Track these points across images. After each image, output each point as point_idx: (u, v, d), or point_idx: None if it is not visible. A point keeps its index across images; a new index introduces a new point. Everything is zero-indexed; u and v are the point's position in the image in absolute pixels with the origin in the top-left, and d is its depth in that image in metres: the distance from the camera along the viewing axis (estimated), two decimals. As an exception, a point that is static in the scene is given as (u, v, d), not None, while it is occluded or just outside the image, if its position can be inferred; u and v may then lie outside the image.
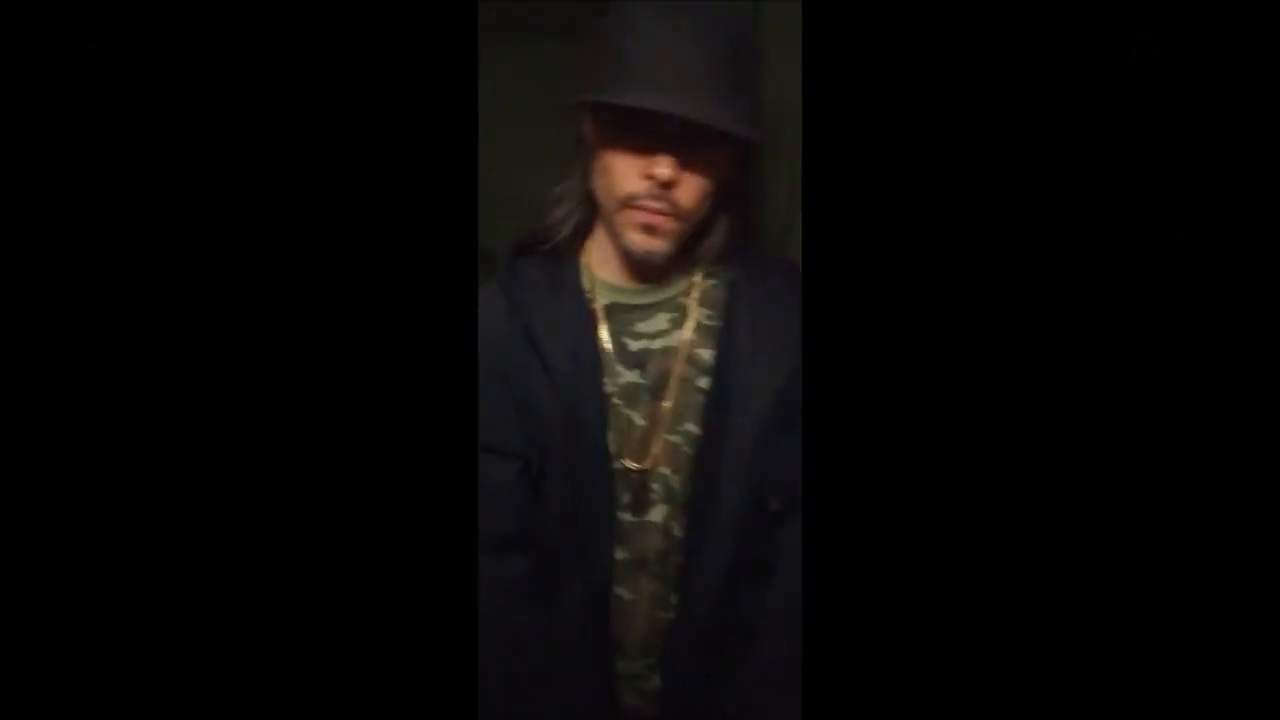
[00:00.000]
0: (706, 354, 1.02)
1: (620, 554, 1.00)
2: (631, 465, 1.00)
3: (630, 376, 1.01)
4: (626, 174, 0.96)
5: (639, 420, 1.00)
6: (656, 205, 0.95)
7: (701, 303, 1.04)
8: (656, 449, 1.00)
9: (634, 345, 1.02)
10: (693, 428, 1.00)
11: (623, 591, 1.00)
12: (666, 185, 0.94)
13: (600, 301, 1.03)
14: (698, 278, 1.05)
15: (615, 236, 1.00)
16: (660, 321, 1.03)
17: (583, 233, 1.05)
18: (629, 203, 0.96)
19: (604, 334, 1.02)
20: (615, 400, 1.01)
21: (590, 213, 1.04)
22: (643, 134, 0.94)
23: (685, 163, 0.95)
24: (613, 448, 1.00)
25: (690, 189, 0.96)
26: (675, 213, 0.96)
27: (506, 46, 1.28)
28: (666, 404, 1.01)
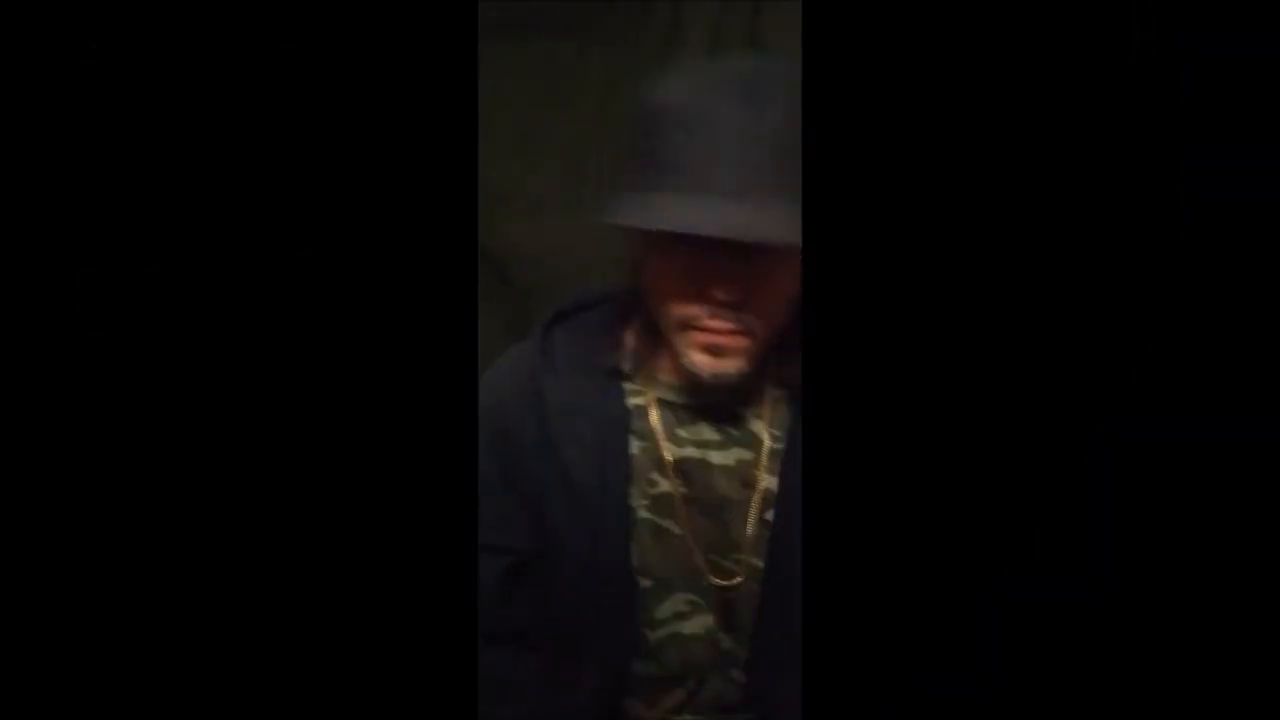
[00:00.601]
0: (766, 479, 0.90)
1: (645, 668, 0.92)
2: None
3: (665, 486, 0.91)
4: (681, 291, 0.84)
5: (676, 530, 0.90)
6: (721, 325, 0.83)
7: (771, 423, 0.91)
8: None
9: (677, 452, 0.91)
10: (745, 557, 0.90)
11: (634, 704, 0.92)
12: (730, 305, 0.82)
13: (642, 397, 0.91)
14: (766, 386, 0.91)
15: (677, 360, 0.87)
16: (704, 431, 0.91)
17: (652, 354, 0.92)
18: (688, 325, 0.84)
19: (640, 437, 0.90)
20: (646, 515, 0.90)
21: (659, 341, 0.90)
22: (695, 248, 0.80)
23: (752, 276, 0.82)
24: (635, 561, 0.90)
25: (764, 304, 0.83)
26: (745, 331, 0.84)
27: (506, 46, 1.28)
28: (706, 521, 0.90)
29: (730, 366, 0.85)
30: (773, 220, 0.78)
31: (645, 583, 0.91)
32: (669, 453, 0.91)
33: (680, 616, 0.92)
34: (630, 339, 0.92)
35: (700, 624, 0.91)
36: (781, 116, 0.79)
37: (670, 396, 0.92)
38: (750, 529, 0.90)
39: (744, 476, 0.91)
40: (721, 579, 0.90)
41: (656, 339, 0.90)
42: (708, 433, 0.92)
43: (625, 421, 0.90)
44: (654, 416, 0.91)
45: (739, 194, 0.78)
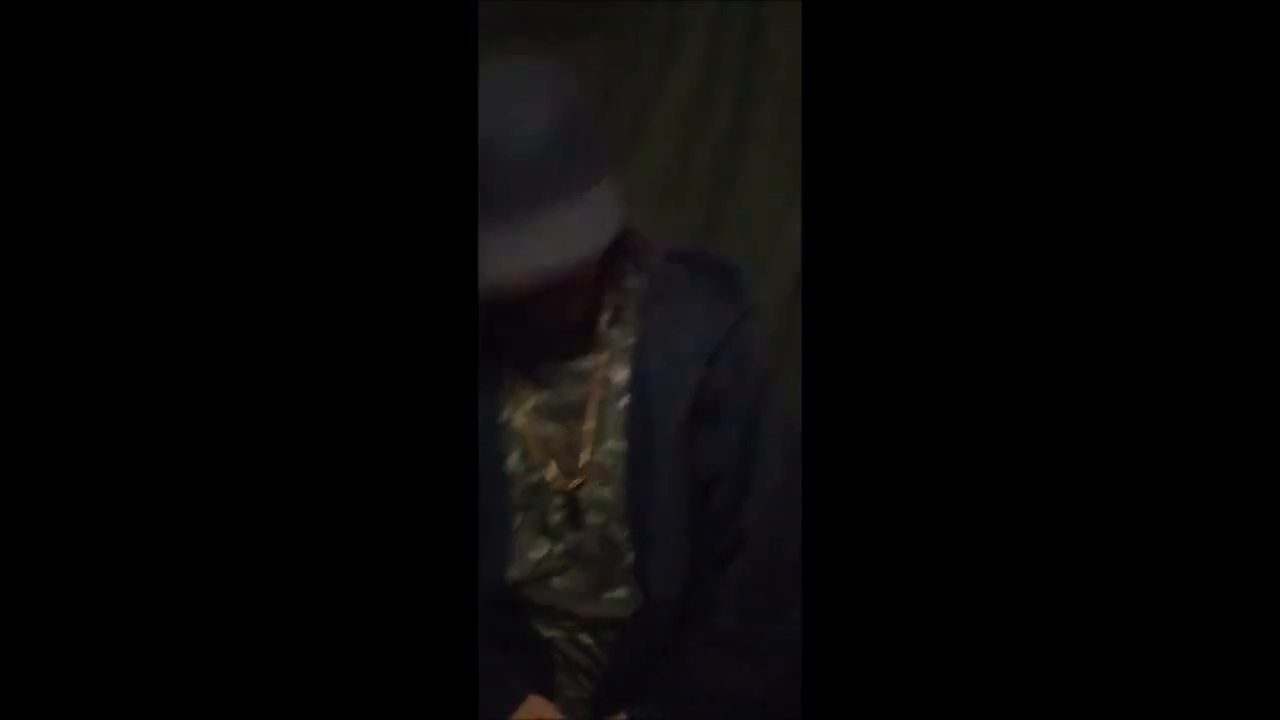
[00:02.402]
0: (622, 375, 1.04)
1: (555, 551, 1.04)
2: (560, 482, 1.03)
3: (540, 397, 1.05)
4: None
5: (557, 436, 1.04)
6: None
7: (615, 324, 1.05)
8: (584, 466, 1.03)
9: (542, 369, 1.05)
10: (616, 444, 1.03)
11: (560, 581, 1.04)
12: None
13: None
14: (608, 297, 1.06)
15: None
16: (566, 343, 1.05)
17: None
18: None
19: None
20: (518, 423, 1.04)
21: None
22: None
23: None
24: (516, 467, 1.04)
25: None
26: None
27: (506, 46, 1.28)
28: (588, 425, 1.03)
29: None
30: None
31: (528, 479, 1.04)
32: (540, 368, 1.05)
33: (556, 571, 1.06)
34: None
35: (596, 518, 1.04)
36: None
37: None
38: (602, 419, 1.03)
39: (600, 377, 1.05)
40: (565, 481, 1.03)
41: None
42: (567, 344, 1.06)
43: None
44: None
45: None
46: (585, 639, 1.06)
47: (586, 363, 1.05)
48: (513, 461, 1.04)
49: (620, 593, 1.04)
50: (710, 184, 1.34)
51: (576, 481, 1.03)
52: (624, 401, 1.04)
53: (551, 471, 1.03)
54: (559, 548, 1.04)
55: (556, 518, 1.04)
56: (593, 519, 1.04)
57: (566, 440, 1.04)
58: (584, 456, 1.03)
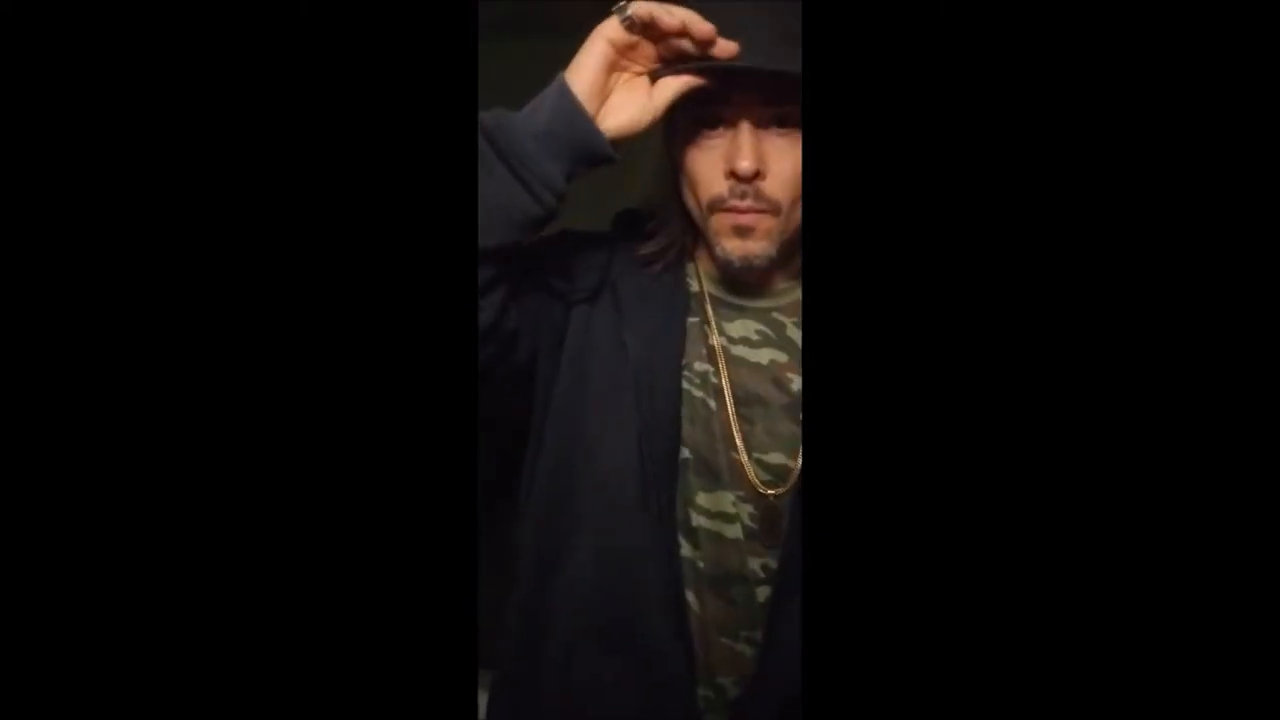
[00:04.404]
0: (798, 382, 0.94)
1: (688, 553, 0.94)
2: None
3: (709, 371, 0.96)
4: (710, 176, 0.90)
5: (718, 415, 0.94)
6: (745, 203, 0.89)
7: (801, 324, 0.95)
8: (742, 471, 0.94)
9: (715, 339, 0.96)
10: (781, 458, 0.94)
11: (692, 600, 0.94)
12: (751, 178, 0.88)
13: (696, 286, 0.98)
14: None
15: (713, 250, 0.94)
16: (745, 329, 0.97)
17: (685, 256, 1.00)
18: (717, 207, 0.91)
19: (691, 318, 0.97)
20: (688, 386, 0.95)
21: (691, 234, 0.98)
22: (719, 126, 0.89)
23: (768, 151, 0.89)
24: (682, 437, 0.94)
25: (778, 179, 0.89)
26: (768, 208, 0.90)
27: (506, 46, 1.28)
28: (751, 426, 0.94)
29: (757, 249, 0.91)
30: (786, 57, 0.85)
31: (685, 453, 0.94)
32: (715, 339, 0.96)
33: (724, 518, 0.94)
34: (658, 238, 0.99)
35: (739, 530, 0.94)
36: None
37: (717, 291, 0.99)
38: (785, 429, 0.94)
39: (776, 377, 0.96)
40: (767, 486, 0.93)
41: (689, 237, 0.98)
42: (746, 330, 0.97)
43: (684, 298, 0.98)
44: (705, 304, 0.98)
45: (774, 37, 0.85)
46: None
47: (761, 355, 0.96)
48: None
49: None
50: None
51: (780, 490, 0.93)
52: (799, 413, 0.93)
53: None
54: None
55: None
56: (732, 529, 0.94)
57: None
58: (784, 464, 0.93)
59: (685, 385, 0.95)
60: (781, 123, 0.89)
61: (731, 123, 0.89)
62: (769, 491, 0.93)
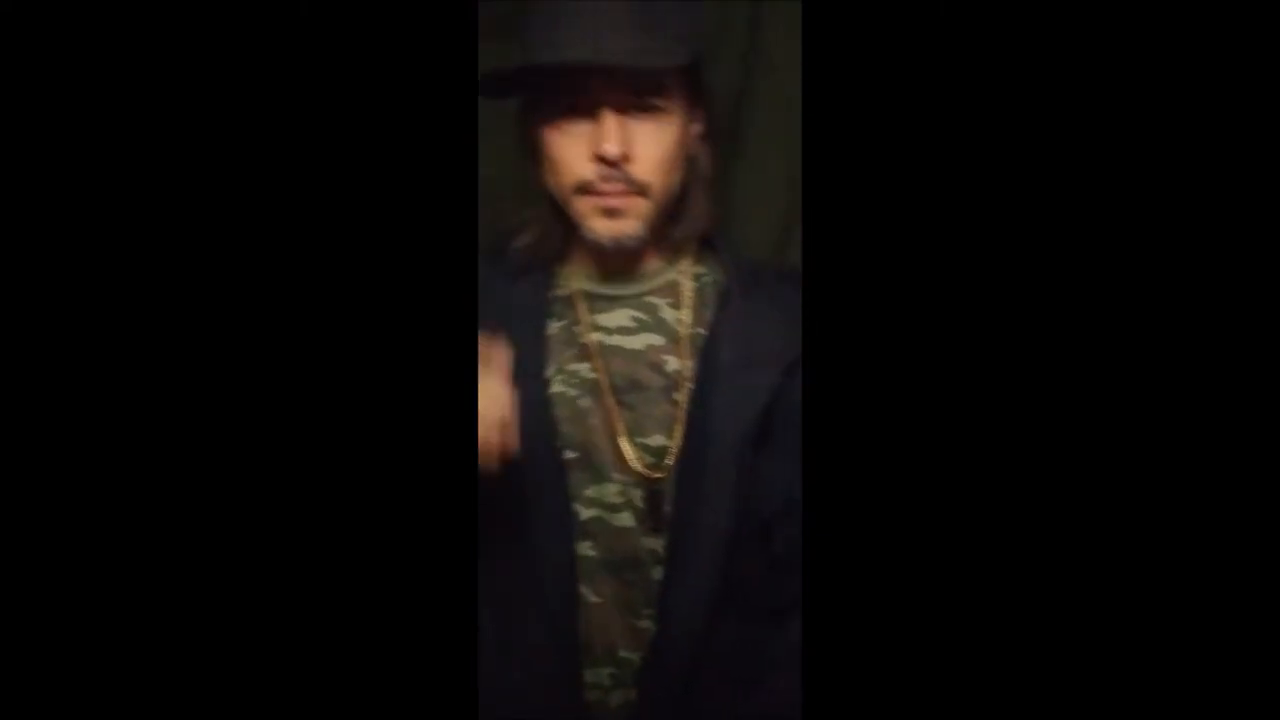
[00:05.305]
0: (674, 363, 0.96)
1: (585, 550, 0.95)
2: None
3: (581, 368, 0.96)
4: (575, 161, 0.90)
5: (595, 411, 0.95)
6: (614, 186, 0.89)
7: (680, 306, 0.97)
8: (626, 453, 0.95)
9: (588, 336, 0.96)
10: (661, 440, 0.95)
11: (587, 592, 0.95)
12: (618, 162, 0.88)
13: (565, 289, 0.98)
14: (683, 277, 0.99)
15: (581, 233, 0.93)
16: (621, 317, 0.98)
17: (561, 250, 0.99)
18: (584, 190, 0.90)
19: (556, 322, 0.96)
20: (561, 388, 0.95)
21: (564, 222, 0.96)
22: (581, 111, 0.89)
23: (634, 134, 0.89)
24: (562, 439, 0.94)
25: (647, 161, 0.90)
26: (637, 190, 0.90)
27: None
28: (620, 407, 0.95)
29: (628, 228, 0.92)
30: (654, 50, 0.86)
31: (569, 453, 0.95)
32: (587, 337, 0.96)
33: (612, 507, 0.96)
34: (531, 228, 0.98)
35: (629, 517, 0.95)
36: None
37: (589, 286, 0.98)
38: (661, 411, 0.95)
39: (651, 361, 0.96)
40: (651, 470, 0.94)
41: (564, 224, 0.96)
42: (622, 319, 0.98)
43: (544, 307, 0.97)
44: (577, 304, 0.97)
45: (612, 33, 0.86)
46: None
47: (638, 340, 0.97)
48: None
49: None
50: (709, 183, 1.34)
51: (659, 475, 0.94)
52: (677, 395, 0.95)
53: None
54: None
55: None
56: (622, 517, 0.95)
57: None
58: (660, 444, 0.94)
59: (560, 388, 0.95)
60: (644, 109, 0.89)
61: (593, 109, 0.88)
62: (653, 475, 0.94)
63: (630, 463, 0.94)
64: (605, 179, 0.89)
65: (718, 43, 1.32)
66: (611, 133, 0.88)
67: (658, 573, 0.95)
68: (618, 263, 0.97)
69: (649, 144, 0.90)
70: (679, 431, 0.95)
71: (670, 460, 0.95)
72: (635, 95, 0.89)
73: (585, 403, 0.95)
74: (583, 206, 0.91)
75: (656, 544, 0.95)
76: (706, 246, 1.01)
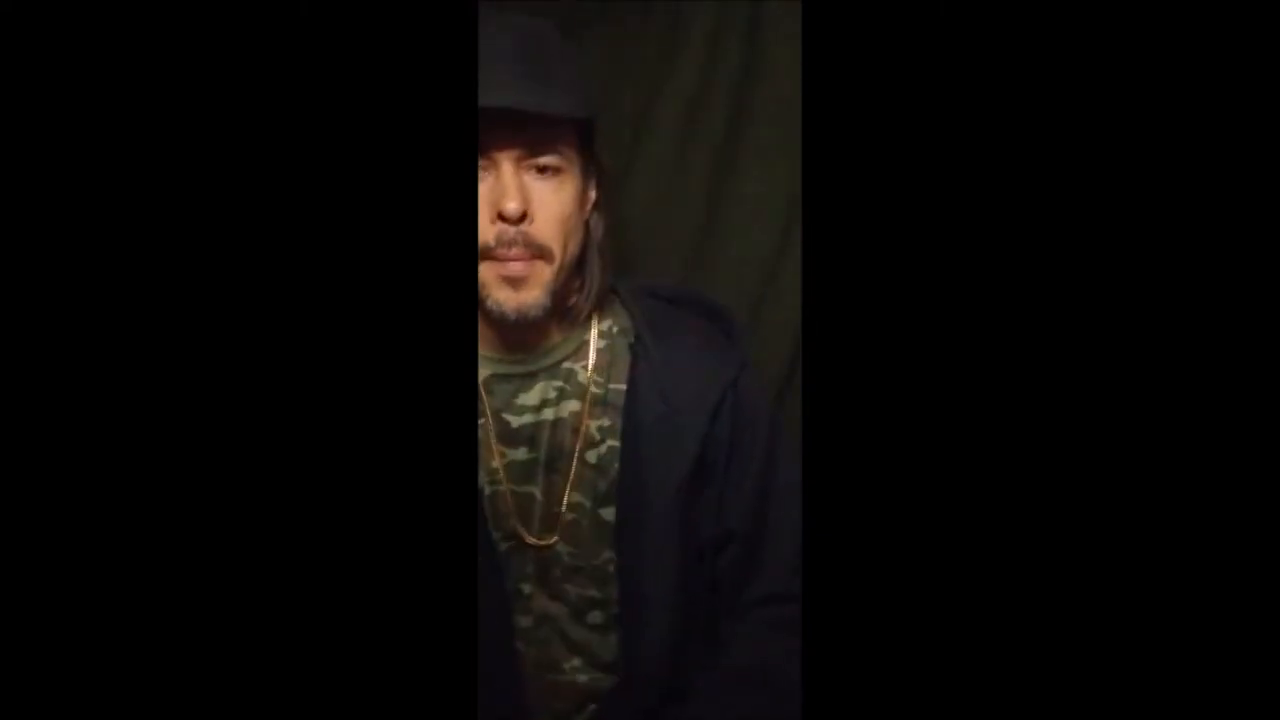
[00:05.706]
0: (597, 426, 0.96)
1: (523, 622, 0.98)
2: (531, 540, 0.96)
3: (517, 455, 0.97)
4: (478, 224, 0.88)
5: (539, 495, 0.97)
6: (514, 251, 0.88)
7: (595, 369, 0.97)
8: (558, 523, 0.96)
9: (516, 421, 0.96)
10: (583, 499, 0.96)
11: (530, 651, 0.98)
12: (519, 220, 0.87)
13: (481, 373, 0.96)
14: (590, 336, 0.98)
15: (484, 304, 0.91)
16: (544, 391, 0.97)
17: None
18: (484, 256, 0.89)
19: (484, 412, 0.95)
20: (503, 481, 0.96)
21: None
22: (480, 170, 0.88)
23: (532, 192, 0.88)
24: (511, 527, 0.96)
25: (547, 223, 0.89)
26: (537, 254, 0.89)
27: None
28: (555, 477, 0.96)
29: (530, 298, 0.90)
30: (550, 95, 0.86)
31: (504, 545, 0.97)
32: (515, 422, 0.96)
33: (525, 578, 0.99)
34: None
35: (529, 586, 0.98)
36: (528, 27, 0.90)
37: (504, 369, 0.97)
38: (572, 472, 0.96)
39: (574, 426, 0.97)
40: (537, 539, 0.97)
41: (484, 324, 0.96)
42: (546, 392, 0.97)
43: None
44: (488, 393, 0.96)
45: (512, 79, 0.86)
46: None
47: (563, 409, 0.97)
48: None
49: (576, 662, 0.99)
50: (710, 183, 1.34)
51: (549, 540, 0.96)
52: (593, 457, 0.96)
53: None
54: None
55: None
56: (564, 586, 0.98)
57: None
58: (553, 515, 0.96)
59: (489, 489, 0.96)
60: (542, 169, 0.89)
61: (491, 166, 0.88)
62: (541, 542, 0.96)
63: (525, 538, 0.97)
64: (506, 243, 0.88)
65: (718, 43, 1.32)
66: (511, 189, 0.87)
67: (575, 630, 0.98)
68: (520, 334, 0.95)
69: (549, 203, 0.89)
70: (594, 493, 0.96)
71: (586, 521, 0.96)
72: (531, 154, 0.88)
73: (527, 490, 0.97)
74: (485, 275, 0.90)
75: (557, 608, 0.98)
76: (609, 292, 1.00)
